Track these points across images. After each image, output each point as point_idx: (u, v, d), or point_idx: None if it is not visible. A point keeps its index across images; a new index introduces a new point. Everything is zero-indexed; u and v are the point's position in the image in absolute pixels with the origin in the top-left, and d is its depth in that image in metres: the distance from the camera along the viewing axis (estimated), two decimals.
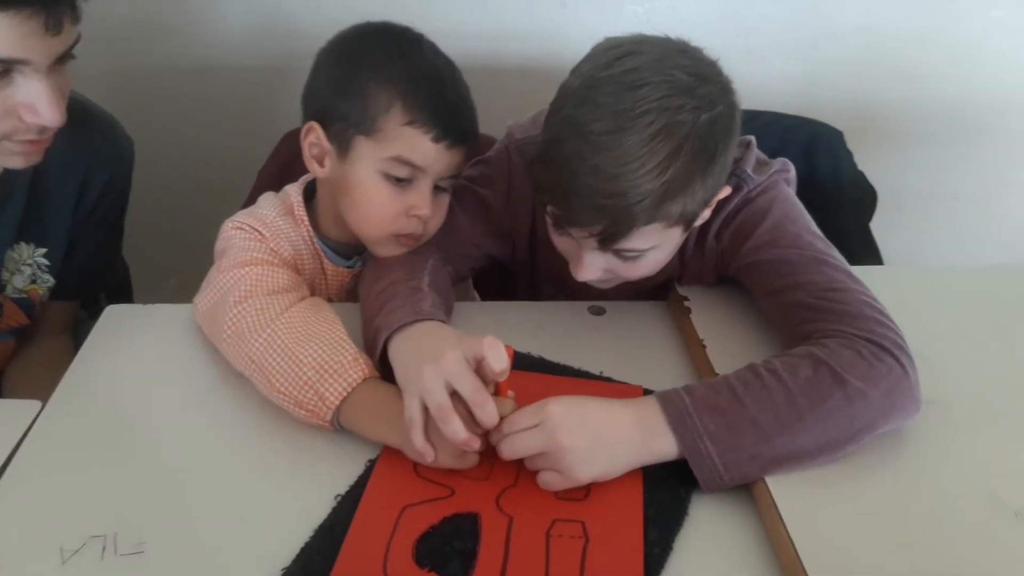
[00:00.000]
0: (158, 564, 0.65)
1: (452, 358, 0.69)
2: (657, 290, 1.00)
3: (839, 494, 0.70)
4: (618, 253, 0.82)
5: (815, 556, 0.64)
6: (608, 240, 0.78)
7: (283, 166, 1.18)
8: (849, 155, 1.29)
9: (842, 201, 1.26)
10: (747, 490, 0.72)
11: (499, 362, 0.68)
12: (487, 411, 0.69)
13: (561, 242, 0.87)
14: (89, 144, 1.02)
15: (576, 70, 0.80)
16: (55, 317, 1.11)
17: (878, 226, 1.31)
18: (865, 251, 1.26)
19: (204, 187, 1.69)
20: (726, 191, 0.85)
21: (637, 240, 0.79)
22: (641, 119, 0.73)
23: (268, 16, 1.57)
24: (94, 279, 1.15)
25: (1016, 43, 1.68)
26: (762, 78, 1.63)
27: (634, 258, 0.83)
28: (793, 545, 0.65)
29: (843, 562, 0.64)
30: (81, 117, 0.98)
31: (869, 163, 1.33)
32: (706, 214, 0.86)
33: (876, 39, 1.65)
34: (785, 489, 0.70)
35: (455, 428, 0.68)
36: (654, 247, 0.82)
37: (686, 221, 0.81)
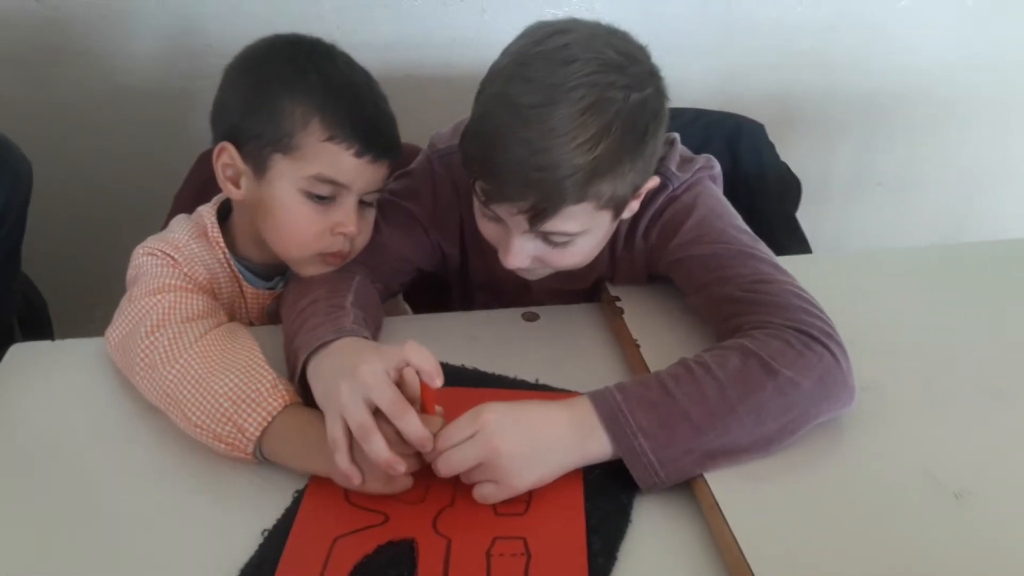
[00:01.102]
0: None
1: (369, 371, 0.66)
2: (589, 292, 0.99)
3: (781, 488, 0.69)
4: (547, 238, 0.80)
5: (760, 554, 0.62)
6: (537, 218, 0.76)
7: (200, 188, 1.13)
8: (771, 147, 1.30)
9: (767, 193, 1.27)
10: (689, 492, 0.70)
11: (425, 361, 0.66)
12: (410, 424, 0.65)
13: (489, 229, 0.85)
14: None
15: (507, 50, 0.79)
16: None
17: (805, 215, 1.33)
18: (792, 241, 1.27)
19: (120, 214, 1.62)
20: (654, 181, 0.84)
21: (566, 221, 0.77)
22: (572, 93, 0.72)
23: (177, 33, 1.51)
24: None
25: (923, 31, 1.73)
26: (682, 75, 1.61)
27: (564, 244, 0.81)
28: (738, 545, 0.63)
29: (788, 557, 0.63)
30: None
31: (792, 154, 1.35)
32: (634, 206, 0.84)
33: (789, 31, 1.68)
34: (727, 487, 0.68)
35: (377, 448, 0.65)
36: (583, 232, 0.80)
37: (615, 205, 0.79)
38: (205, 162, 1.18)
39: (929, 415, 0.78)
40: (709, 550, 0.66)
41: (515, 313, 0.95)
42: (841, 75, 1.75)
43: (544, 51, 0.75)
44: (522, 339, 0.91)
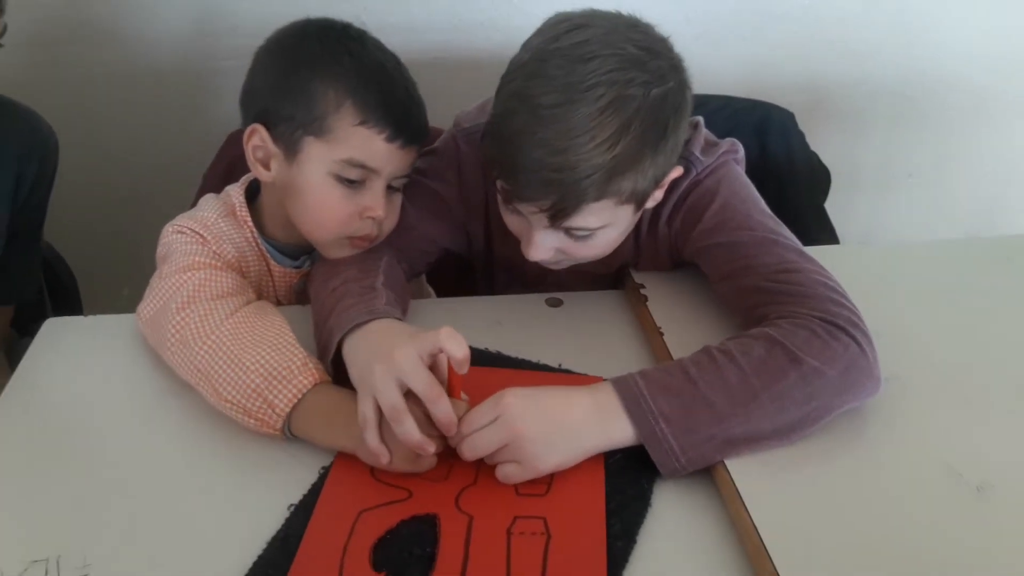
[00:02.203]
0: None
1: (404, 355, 0.67)
2: (613, 278, 0.99)
3: (801, 477, 0.70)
4: (568, 231, 0.81)
5: (780, 542, 0.62)
6: (558, 216, 0.77)
7: (228, 167, 1.14)
8: (801, 136, 1.29)
9: (796, 182, 1.26)
10: (709, 479, 0.71)
11: (459, 349, 0.67)
12: (441, 408, 0.67)
13: (512, 221, 0.85)
14: (17, 137, 1.00)
15: (526, 44, 0.79)
16: None
17: (834, 206, 1.32)
18: (821, 231, 1.26)
19: (149, 193, 1.64)
20: (677, 171, 0.84)
21: (587, 217, 0.78)
22: (590, 92, 0.72)
23: (206, 13, 1.52)
24: (30, 276, 1.15)
25: (955, 20, 1.70)
26: (711, 62, 1.60)
27: (585, 237, 0.81)
28: (758, 532, 0.64)
29: (808, 546, 0.63)
30: (2, 111, 0.97)
31: (822, 144, 1.33)
32: (658, 195, 0.84)
33: (819, 18, 1.66)
34: (747, 474, 0.69)
35: (408, 429, 0.66)
36: (605, 226, 0.80)
37: (637, 200, 0.79)
38: (234, 141, 1.19)
39: (952, 408, 0.78)
40: (728, 536, 0.66)
41: (539, 299, 0.96)
42: (871, 64, 1.72)
43: (562, 48, 0.74)
44: (546, 324, 0.92)
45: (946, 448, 0.73)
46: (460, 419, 0.69)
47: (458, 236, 1.00)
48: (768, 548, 0.62)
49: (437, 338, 0.67)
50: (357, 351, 0.75)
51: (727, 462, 0.70)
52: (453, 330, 0.67)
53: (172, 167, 1.59)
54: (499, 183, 0.80)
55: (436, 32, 1.58)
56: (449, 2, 1.56)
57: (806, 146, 1.29)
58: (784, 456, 0.71)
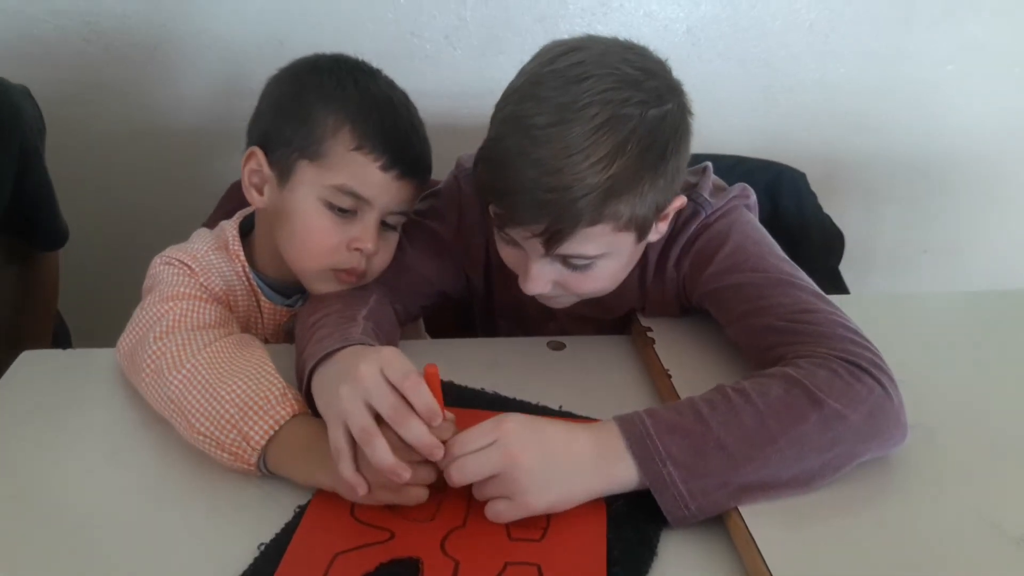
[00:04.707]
0: None
1: (366, 374, 0.62)
2: (619, 324, 0.94)
3: (822, 527, 0.63)
4: (566, 261, 0.77)
5: None
6: (552, 241, 0.73)
7: (228, 216, 1.12)
8: (813, 196, 1.26)
9: (809, 243, 1.23)
10: (720, 527, 0.65)
11: (421, 400, 0.62)
12: (411, 429, 0.61)
13: (508, 253, 0.81)
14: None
15: (521, 70, 0.76)
16: None
17: (848, 279, 1.28)
18: (835, 293, 1.21)
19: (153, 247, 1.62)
20: (680, 201, 0.80)
21: (584, 243, 0.74)
22: (585, 111, 0.69)
23: (223, 76, 1.54)
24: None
25: (970, 95, 1.69)
26: (720, 132, 1.61)
27: (584, 267, 0.77)
28: None
29: None
30: None
31: (835, 217, 1.30)
32: (661, 227, 0.81)
33: (831, 92, 1.66)
34: (763, 522, 0.62)
35: (380, 453, 0.60)
36: (604, 255, 0.76)
37: (637, 227, 0.75)
38: (234, 192, 1.18)
39: (985, 458, 0.72)
40: None
41: (540, 342, 0.91)
42: (886, 138, 1.71)
43: (557, 69, 0.72)
44: (547, 367, 0.87)
45: (982, 499, 0.66)
46: (450, 441, 0.63)
47: (456, 278, 0.96)
48: None
49: (401, 373, 0.62)
50: (326, 379, 0.70)
51: (741, 509, 0.64)
52: (420, 381, 0.62)
53: (178, 222, 1.57)
54: (492, 208, 0.77)
55: (445, 98, 1.59)
56: (456, 70, 1.57)
57: (819, 207, 1.27)
58: (803, 504, 0.65)
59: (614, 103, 0.70)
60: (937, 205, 1.80)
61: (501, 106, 0.76)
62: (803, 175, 1.27)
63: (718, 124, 1.61)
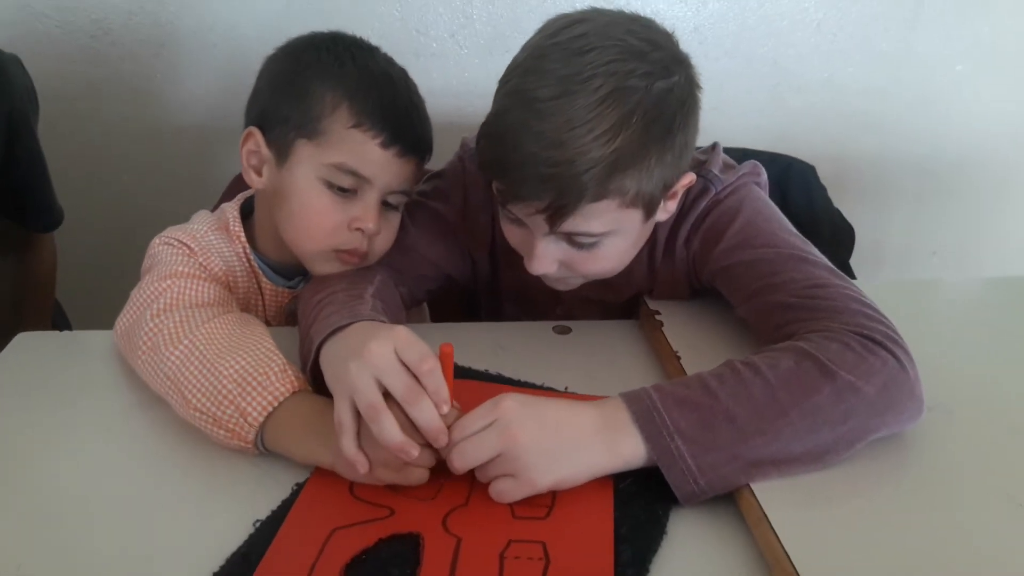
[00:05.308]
0: None
1: (378, 351, 0.60)
2: (626, 309, 0.92)
3: (837, 504, 0.61)
4: (571, 240, 0.75)
5: (815, 570, 0.54)
6: (557, 217, 0.71)
7: None
8: (823, 189, 1.24)
9: (819, 236, 1.19)
10: (731, 505, 0.62)
11: (436, 388, 0.60)
12: (423, 411, 0.59)
13: (512, 233, 0.79)
14: None
15: (525, 45, 0.75)
16: None
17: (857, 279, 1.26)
18: None
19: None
20: (689, 178, 0.79)
21: (589, 220, 0.72)
22: (588, 83, 0.67)
23: (229, 74, 1.53)
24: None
25: (980, 96, 1.68)
26: (730, 130, 1.60)
27: (590, 246, 0.75)
28: (790, 559, 0.55)
29: (848, 574, 0.54)
30: None
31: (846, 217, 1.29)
32: (670, 207, 0.79)
33: (839, 92, 1.64)
34: (775, 499, 0.60)
35: (388, 429, 0.59)
36: (610, 233, 0.74)
37: (644, 204, 0.73)
38: (239, 182, 1.17)
39: (1005, 436, 0.70)
40: (753, 565, 0.57)
41: (545, 326, 0.89)
42: (894, 139, 1.70)
43: (560, 42, 0.71)
44: (552, 350, 0.85)
45: (1003, 475, 0.64)
46: (451, 427, 0.61)
47: (461, 261, 0.94)
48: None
49: (419, 355, 0.60)
50: (334, 354, 0.68)
51: (752, 486, 0.61)
52: (437, 365, 0.61)
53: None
54: (495, 185, 0.75)
55: (451, 97, 1.58)
56: (463, 68, 1.57)
57: (829, 201, 1.25)
58: (816, 481, 0.63)
59: (618, 75, 0.68)
60: (946, 206, 1.78)
61: (504, 80, 0.74)
62: (812, 168, 1.25)
63: (725, 123, 1.60)
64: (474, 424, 0.61)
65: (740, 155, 1.23)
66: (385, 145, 0.78)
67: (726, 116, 1.62)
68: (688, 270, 0.86)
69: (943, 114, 1.69)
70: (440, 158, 0.88)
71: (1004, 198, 1.79)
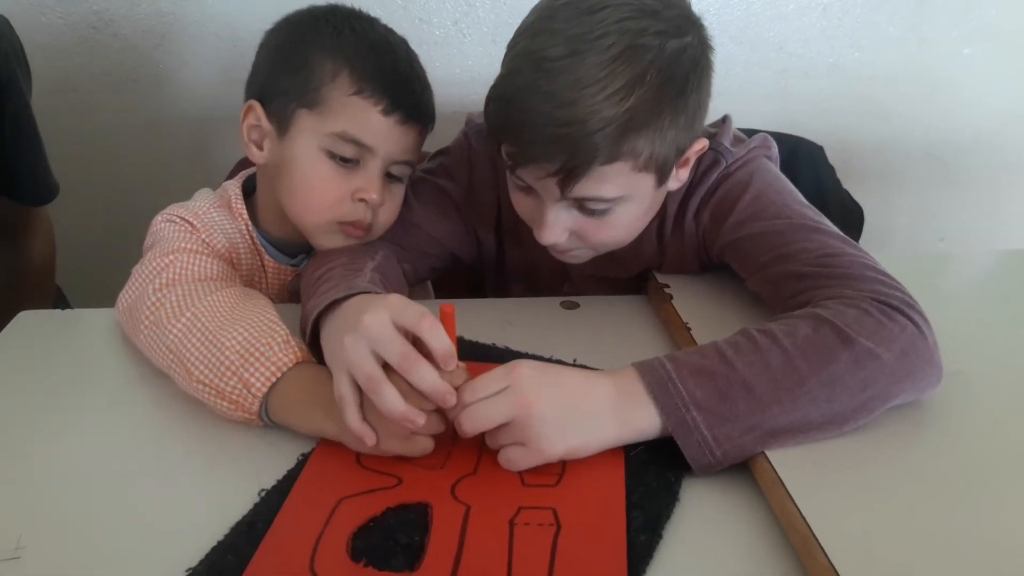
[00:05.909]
0: (40, 571, 0.54)
1: (372, 322, 0.58)
2: (634, 286, 0.91)
3: (853, 469, 0.60)
4: (583, 206, 0.73)
5: (831, 533, 0.53)
6: (568, 180, 0.69)
7: None
8: (831, 169, 1.23)
9: (827, 216, 1.19)
10: (745, 471, 0.61)
11: (440, 342, 0.58)
12: (424, 376, 0.57)
13: (522, 202, 0.78)
14: None
15: (534, 7, 0.74)
16: None
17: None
18: None
19: None
20: (702, 144, 0.77)
21: (601, 184, 0.70)
22: (600, 41, 0.66)
23: (231, 63, 1.52)
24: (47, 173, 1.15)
25: (988, 81, 1.66)
26: (736, 115, 1.58)
27: (601, 213, 0.74)
28: (806, 521, 0.54)
29: (865, 537, 0.53)
30: None
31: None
32: (682, 175, 0.78)
33: (846, 78, 1.63)
34: (790, 466, 0.59)
35: (390, 400, 0.57)
36: (622, 198, 0.73)
37: (657, 168, 0.72)
38: (241, 168, 1.16)
39: (1021, 405, 0.68)
40: (767, 529, 0.56)
41: (553, 302, 0.88)
42: (901, 124, 1.68)
43: (570, 2, 0.69)
44: (560, 325, 0.84)
45: (1020, 441, 0.63)
46: (460, 388, 0.59)
47: (466, 239, 0.93)
48: (819, 538, 0.52)
49: (416, 314, 0.58)
50: (331, 329, 0.67)
51: (768, 452, 0.60)
52: (436, 322, 0.59)
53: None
54: (504, 149, 0.73)
55: (454, 86, 1.57)
56: (467, 55, 1.55)
57: (837, 181, 1.23)
58: (832, 447, 0.61)
59: (631, 32, 0.67)
60: (954, 191, 1.76)
61: (513, 43, 0.73)
62: (821, 148, 1.24)
63: (731, 108, 1.57)
64: (486, 387, 0.60)
65: (747, 134, 1.22)
66: (387, 112, 0.77)
67: (732, 102, 1.59)
68: (698, 245, 0.85)
69: (950, 98, 1.67)
70: (445, 144, 0.87)
71: (1012, 183, 1.77)
